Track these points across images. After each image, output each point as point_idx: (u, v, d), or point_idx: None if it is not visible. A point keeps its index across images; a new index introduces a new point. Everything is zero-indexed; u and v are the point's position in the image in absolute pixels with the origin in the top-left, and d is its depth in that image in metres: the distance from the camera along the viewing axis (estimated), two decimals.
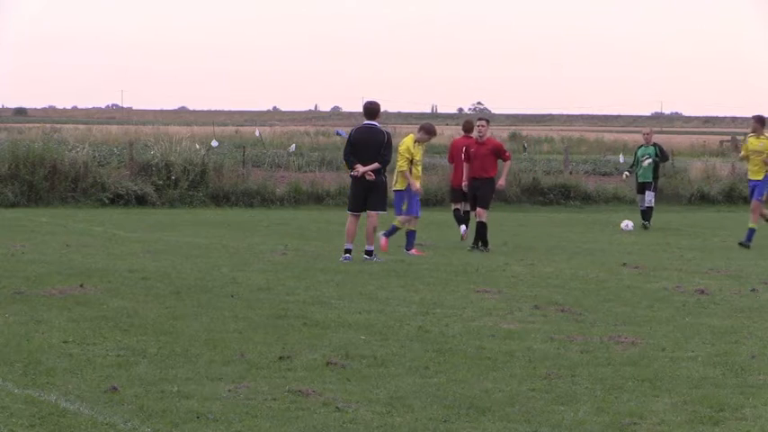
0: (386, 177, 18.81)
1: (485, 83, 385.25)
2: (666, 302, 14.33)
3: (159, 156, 33.64)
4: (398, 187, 20.33)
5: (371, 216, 18.54)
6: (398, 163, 20.18)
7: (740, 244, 22.92)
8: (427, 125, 20.71)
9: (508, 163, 21.97)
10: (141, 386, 9.04)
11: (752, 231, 23.00)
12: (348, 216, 18.79)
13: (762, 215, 23.17)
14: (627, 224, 27.43)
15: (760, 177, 23.13)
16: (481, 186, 21.13)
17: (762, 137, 23.05)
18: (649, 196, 28.11)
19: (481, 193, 21.16)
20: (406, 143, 20.26)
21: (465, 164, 21.54)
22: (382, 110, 19.26)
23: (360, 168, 18.39)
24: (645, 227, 27.86)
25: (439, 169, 38.22)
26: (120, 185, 32.41)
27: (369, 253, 18.53)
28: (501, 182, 21.62)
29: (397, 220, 20.41)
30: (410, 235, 20.35)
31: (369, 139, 18.42)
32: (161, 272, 16.09)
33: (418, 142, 20.28)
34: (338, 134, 72.19)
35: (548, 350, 10.99)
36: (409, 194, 20.28)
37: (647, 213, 28.12)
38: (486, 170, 21.16)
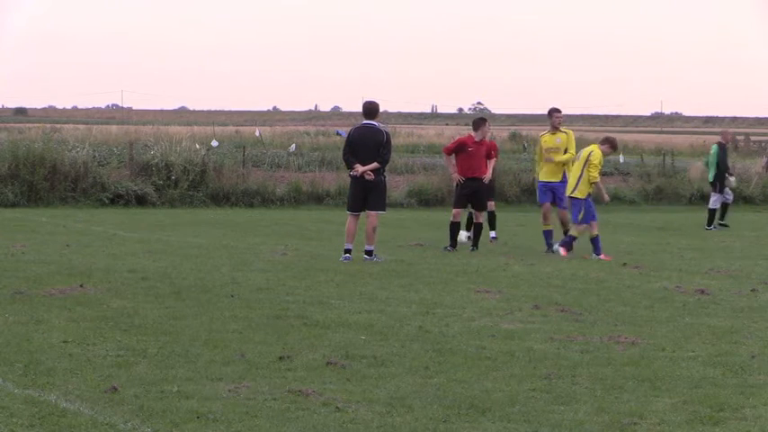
0: (385, 177, 18.80)
1: (485, 83, 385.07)
2: (666, 302, 14.33)
3: (159, 156, 33.66)
4: (578, 195, 20.12)
5: (371, 216, 18.53)
6: (591, 174, 19.97)
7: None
8: (612, 139, 20.70)
9: (494, 160, 22.05)
10: (141, 386, 9.04)
11: (571, 238, 20.40)
12: (348, 216, 18.79)
13: (552, 221, 21.11)
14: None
15: (558, 179, 21.11)
16: (478, 189, 21.15)
17: (558, 132, 21.29)
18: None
19: (478, 196, 21.21)
20: (599, 154, 20.12)
21: (455, 157, 21.54)
22: (382, 110, 19.25)
23: (359, 168, 18.40)
24: (724, 225, 28.57)
25: (438, 169, 38.26)
26: (120, 185, 32.43)
27: (369, 253, 18.52)
28: (488, 175, 21.47)
29: (576, 230, 20.30)
30: (596, 240, 20.19)
31: (368, 138, 18.42)
32: (161, 272, 16.09)
33: (604, 155, 20.29)
34: (338, 134, 72.15)
35: (548, 350, 10.99)
36: (588, 202, 20.16)
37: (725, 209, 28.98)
38: (481, 170, 21.21)
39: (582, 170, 20.20)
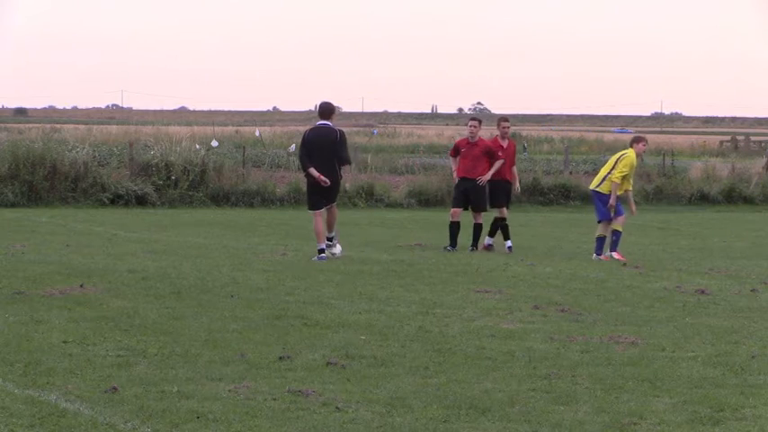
0: (341, 176, 18.78)
1: (485, 83, 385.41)
2: (666, 302, 14.32)
3: (159, 156, 33.66)
4: (603, 190, 20.41)
5: (333, 208, 18.77)
6: (614, 174, 20.24)
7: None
8: (641, 138, 20.76)
9: (498, 162, 21.90)
10: (141, 386, 9.04)
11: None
12: (313, 216, 18.74)
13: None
14: None
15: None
16: (473, 190, 21.14)
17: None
18: None
19: (475, 197, 21.21)
20: (631, 158, 20.23)
21: (453, 158, 21.64)
22: (382, 110, 19.60)
23: (319, 176, 18.36)
24: None
25: (438, 169, 38.25)
26: (120, 185, 32.42)
27: (330, 239, 18.75)
28: (485, 177, 21.37)
29: (619, 225, 20.34)
30: (600, 240, 20.18)
31: (321, 138, 18.52)
32: (161, 272, 16.08)
33: (639, 156, 20.29)
34: None
35: (548, 350, 10.99)
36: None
37: None
38: (478, 171, 21.16)
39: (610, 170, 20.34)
